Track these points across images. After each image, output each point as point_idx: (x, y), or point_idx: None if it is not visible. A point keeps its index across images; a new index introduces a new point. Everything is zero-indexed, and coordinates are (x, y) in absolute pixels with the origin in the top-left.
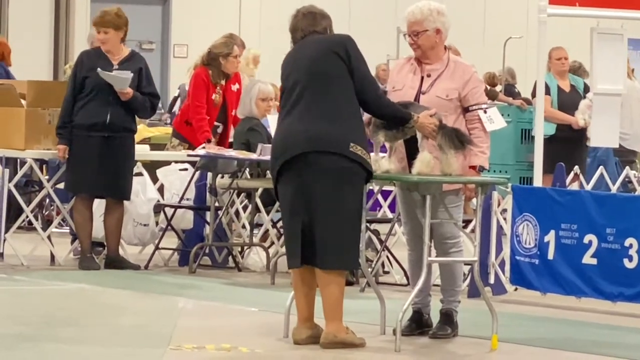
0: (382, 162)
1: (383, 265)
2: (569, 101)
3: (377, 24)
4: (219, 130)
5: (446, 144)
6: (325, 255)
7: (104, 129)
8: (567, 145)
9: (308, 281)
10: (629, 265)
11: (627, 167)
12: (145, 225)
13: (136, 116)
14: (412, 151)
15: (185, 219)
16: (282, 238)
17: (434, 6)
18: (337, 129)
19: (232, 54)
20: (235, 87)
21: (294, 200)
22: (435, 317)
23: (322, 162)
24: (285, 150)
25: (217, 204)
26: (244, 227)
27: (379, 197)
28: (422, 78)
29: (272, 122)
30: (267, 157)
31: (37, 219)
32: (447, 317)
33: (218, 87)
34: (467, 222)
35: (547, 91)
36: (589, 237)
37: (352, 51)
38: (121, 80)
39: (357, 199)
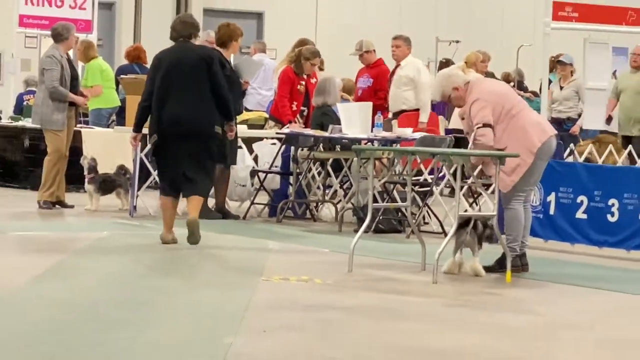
0: None
1: (424, 218)
2: None
3: (420, 34)
4: (305, 113)
5: None
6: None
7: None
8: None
9: (174, 204)
10: (612, 219)
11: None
12: (243, 185)
13: None
14: None
15: (274, 181)
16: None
17: (440, 76)
18: (207, 114)
19: (312, 61)
20: (313, 81)
21: (179, 153)
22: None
23: (200, 136)
24: (180, 124)
25: (298, 170)
26: (318, 187)
27: (422, 166)
28: None
29: (340, 109)
30: (337, 135)
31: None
32: (501, 257)
33: (302, 80)
34: (488, 186)
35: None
36: (581, 198)
37: (213, 63)
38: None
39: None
